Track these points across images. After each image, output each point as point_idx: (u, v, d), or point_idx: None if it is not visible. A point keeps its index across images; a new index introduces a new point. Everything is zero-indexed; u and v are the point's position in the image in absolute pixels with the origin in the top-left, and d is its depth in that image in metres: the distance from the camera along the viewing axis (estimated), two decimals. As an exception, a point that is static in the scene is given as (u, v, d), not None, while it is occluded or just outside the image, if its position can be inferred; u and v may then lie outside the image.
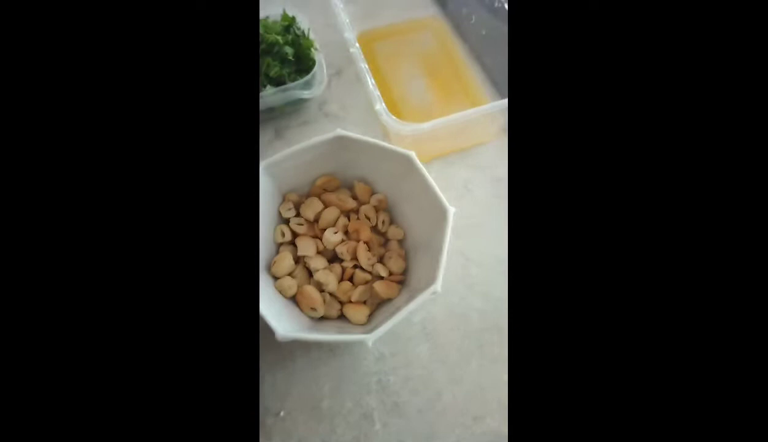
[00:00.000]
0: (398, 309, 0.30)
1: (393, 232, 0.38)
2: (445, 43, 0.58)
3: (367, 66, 0.39)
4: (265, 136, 0.49)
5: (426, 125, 0.36)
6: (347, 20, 0.43)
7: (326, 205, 0.37)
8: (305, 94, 0.44)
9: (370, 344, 0.27)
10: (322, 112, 0.50)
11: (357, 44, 0.41)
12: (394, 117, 0.36)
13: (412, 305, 0.29)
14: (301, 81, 0.43)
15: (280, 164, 0.34)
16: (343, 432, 0.34)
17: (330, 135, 0.34)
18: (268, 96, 0.43)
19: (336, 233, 0.36)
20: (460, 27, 0.59)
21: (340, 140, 0.35)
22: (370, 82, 0.38)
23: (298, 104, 0.48)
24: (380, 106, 0.36)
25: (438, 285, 0.29)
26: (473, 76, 0.54)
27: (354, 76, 0.53)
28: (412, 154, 0.34)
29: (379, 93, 0.37)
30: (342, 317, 0.36)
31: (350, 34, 0.42)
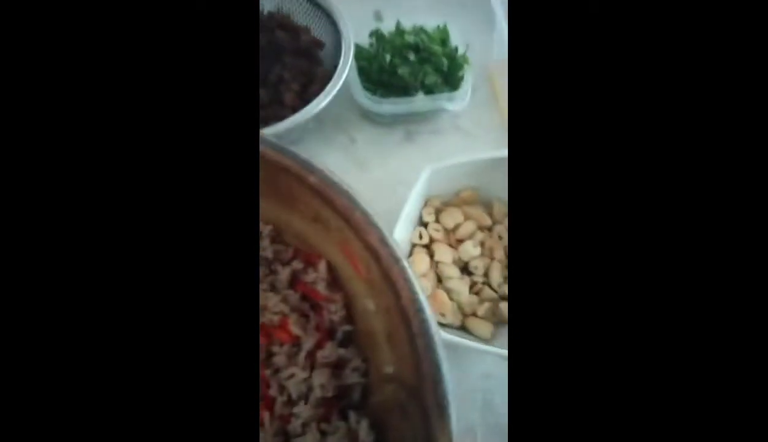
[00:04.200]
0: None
1: (517, 256, 0.39)
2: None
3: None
4: (394, 136, 0.51)
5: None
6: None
7: (466, 218, 0.38)
8: (449, 106, 0.46)
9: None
10: (454, 124, 0.52)
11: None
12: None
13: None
14: (450, 94, 0.45)
15: (443, 172, 0.36)
16: None
17: (501, 154, 0.36)
18: (418, 102, 0.45)
19: (476, 246, 0.37)
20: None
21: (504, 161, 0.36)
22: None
23: (434, 113, 0.50)
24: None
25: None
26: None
27: (486, 96, 0.55)
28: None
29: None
30: (462, 328, 0.37)
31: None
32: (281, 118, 0.44)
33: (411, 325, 0.20)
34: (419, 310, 0.20)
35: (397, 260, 0.21)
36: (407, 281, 0.21)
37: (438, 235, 0.38)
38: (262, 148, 0.25)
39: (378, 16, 0.49)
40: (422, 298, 0.20)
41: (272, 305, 0.30)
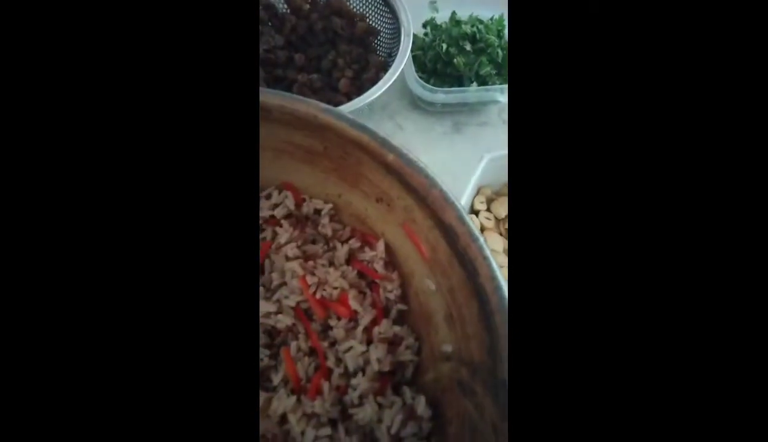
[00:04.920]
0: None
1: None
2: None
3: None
4: (442, 126, 0.52)
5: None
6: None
7: (517, 209, 0.39)
8: (502, 97, 0.46)
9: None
10: (500, 118, 0.52)
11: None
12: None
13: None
14: (502, 85, 0.45)
15: (496, 161, 0.36)
16: None
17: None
18: (471, 92, 0.45)
19: (527, 237, 0.37)
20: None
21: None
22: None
23: (482, 105, 0.50)
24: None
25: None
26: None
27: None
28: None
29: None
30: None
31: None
32: (336, 103, 0.45)
33: (489, 302, 0.21)
34: (497, 288, 0.21)
35: (475, 239, 0.22)
36: (486, 258, 0.21)
37: (489, 223, 0.38)
38: (341, 124, 0.26)
39: (434, 7, 0.49)
40: (500, 276, 0.21)
41: (332, 279, 0.31)
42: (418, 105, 0.51)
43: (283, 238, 0.32)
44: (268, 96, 0.26)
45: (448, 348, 0.28)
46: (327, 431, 0.26)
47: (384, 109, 0.52)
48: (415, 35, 0.49)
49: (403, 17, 0.44)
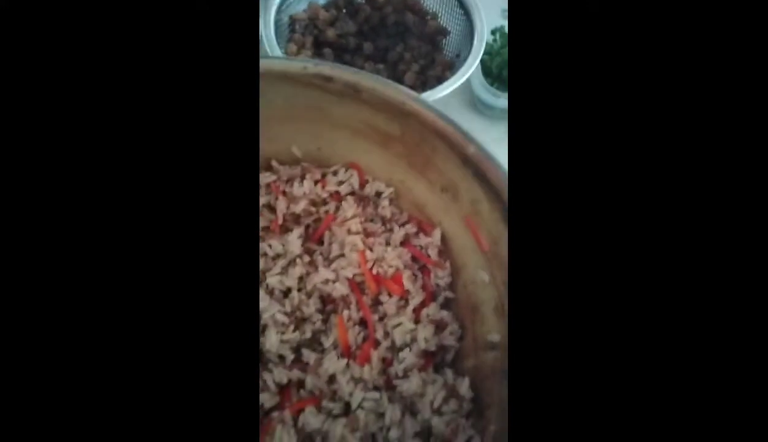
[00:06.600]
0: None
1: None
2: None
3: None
4: (497, 133, 0.53)
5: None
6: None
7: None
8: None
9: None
10: (554, 131, 0.53)
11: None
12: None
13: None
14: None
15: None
16: None
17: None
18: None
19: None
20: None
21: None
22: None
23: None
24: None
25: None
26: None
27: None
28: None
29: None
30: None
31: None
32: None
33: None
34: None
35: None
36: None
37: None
38: (429, 113, 0.28)
39: (505, 15, 0.51)
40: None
41: (389, 258, 0.33)
42: (476, 107, 0.52)
43: (349, 212, 0.34)
44: (364, 77, 0.28)
45: (495, 338, 0.29)
46: (375, 395, 0.28)
47: (440, 105, 0.54)
48: (483, 40, 0.50)
49: (477, 20, 0.46)
